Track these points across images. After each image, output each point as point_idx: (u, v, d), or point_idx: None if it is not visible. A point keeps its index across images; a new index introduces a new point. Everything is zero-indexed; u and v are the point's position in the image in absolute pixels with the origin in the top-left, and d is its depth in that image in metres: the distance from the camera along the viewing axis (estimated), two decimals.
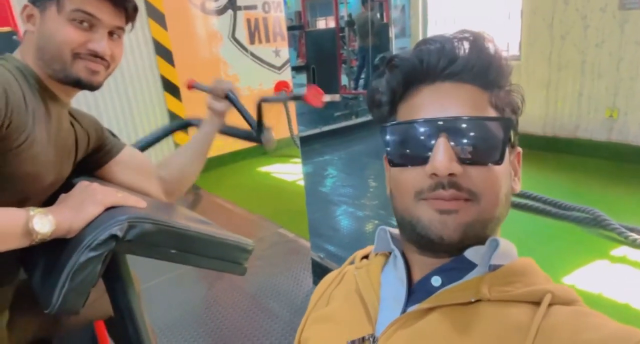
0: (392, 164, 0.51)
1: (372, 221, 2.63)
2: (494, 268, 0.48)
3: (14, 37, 1.32)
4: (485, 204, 0.47)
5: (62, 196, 0.79)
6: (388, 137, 0.51)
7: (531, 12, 3.89)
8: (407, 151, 0.49)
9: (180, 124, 1.51)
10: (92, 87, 0.86)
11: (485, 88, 0.49)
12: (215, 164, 4.31)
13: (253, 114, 1.29)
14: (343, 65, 7.87)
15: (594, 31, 3.57)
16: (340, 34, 7.57)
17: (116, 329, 1.26)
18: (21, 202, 0.76)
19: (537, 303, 0.44)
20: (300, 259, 2.45)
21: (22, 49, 0.82)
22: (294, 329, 1.87)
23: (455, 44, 0.49)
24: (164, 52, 3.88)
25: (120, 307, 0.89)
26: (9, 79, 0.70)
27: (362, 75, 7.63)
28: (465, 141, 0.46)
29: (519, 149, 0.54)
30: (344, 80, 7.76)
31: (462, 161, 0.46)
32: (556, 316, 0.42)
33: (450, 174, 0.45)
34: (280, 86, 4.84)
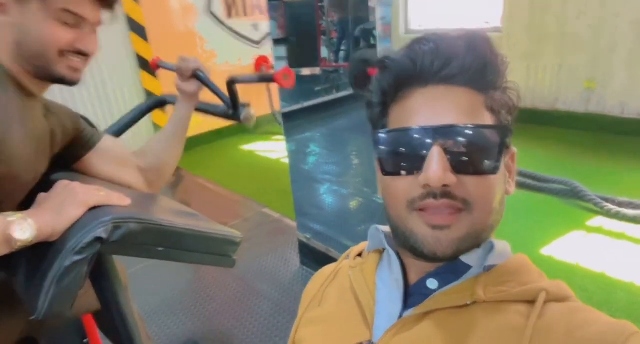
0: (385, 172, 0.49)
1: (356, 198, 2.64)
2: (488, 269, 0.48)
3: None
4: (479, 214, 0.46)
5: (41, 196, 0.76)
6: (380, 143, 0.49)
7: None
8: (400, 159, 0.47)
9: (154, 102, 1.41)
10: (74, 84, 0.84)
11: (481, 91, 0.47)
12: (196, 143, 4.24)
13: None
14: (323, 37, 7.72)
15: (574, 3, 3.56)
16: (319, 4, 7.39)
17: (105, 321, 1.25)
18: None
19: (532, 302, 0.44)
20: (287, 239, 2.46)
21: None
22: (283, 309, 1.90)
23: (450, 44, 0.47)
24: (137, 28, 3.72)
25: (108, 302, 0.88)
26: None
27: (343, 47, 7.51)
28: (460, 150, 0.45)
29: (514, 149, 0.53)
30: (324, 52, 7.63)
31: (457, 170, 0.45)
32: (551, 315, 0.43)
33: (444, 185, 0.44)
34: (260, 61, 4.73)
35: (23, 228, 0.64)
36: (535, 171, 2.95)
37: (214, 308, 1.95)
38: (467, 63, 0.46)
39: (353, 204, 2.72)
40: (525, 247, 2.23)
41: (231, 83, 1.23)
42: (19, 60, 0.77)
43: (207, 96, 1.20)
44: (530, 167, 2.99)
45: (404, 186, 0.47)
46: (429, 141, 0.45)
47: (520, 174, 2.98)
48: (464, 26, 4.50)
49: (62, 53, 0.79)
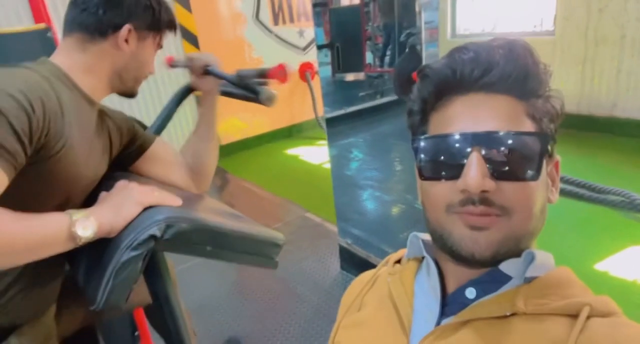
0: (423, 177, 0.50)
1: (398, 205, 2.62)
2: (529, 280, 0.47)
3: (49, 33, 1.34)
4: (518, 220, 0.45)
5: (102, 195, 0.82)
6: (419, 149, 0.50)
7: None
8: (439, 165, 0.48)
9: (183, 92, 1.46)
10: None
11: (522, 98, 0.47)
12: (241, 147, 4.36)
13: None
14: (368, 42, 7.70)
15: (635, 4, 3.36)
16: (365, 9, 7.38)
17: (154, 315, 1.32)
18: (63, 204, 0.80)
19: (575, 316, 0.43)
20: (328, 244, 2.48)
21: (84, 57, 0.86)
22: (322, 313, 1.91)
23: (490, 52, 0.47)
24: (189, 36, 3.88)
25: (158, 296, 0.93)
26: (45, 88, 0.72)
27: (388, 53, 7.46)
28: (499, 156, 0.45)
29: (558, 157, 0.52)
30: (369, 57, 7.61)
31: (496, 177, 0.45)
32: (594, 329, 0.42)
33: (483, 191, 0.44)
34: (304, 67, 4.80)
35: (86, 226, 0.70)
36: (591, 180, 2.80)
37: (255, 309, 2.00)
38: (507, 71, 0.46)
39: (395, 210, 2.69)
40: (578, 262, 2.12)
41: (239, 77, 1.19)
42: (114, 82, 0.92)
43: None
44: (585, 177, 2.84)
45: (443, 190, 0.47)
46: (468, 147, 0.45)
47: (575, 183, 2.84)
48: (512, 30, 4.33)
49: (147, 76, 0.96)
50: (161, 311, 0.94)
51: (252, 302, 2.05)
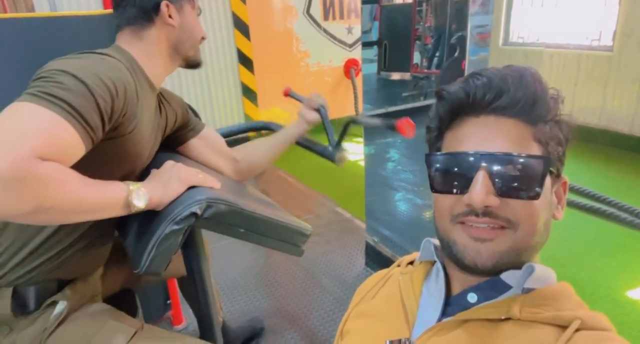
0: (434, 190, 0.54)
1: (430, 210, 2.63)
2: (527, 291, 0.51)
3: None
4: (522, 233, 0.49)
5: (154, 171, 0.90)
6: (432, 165, 0.54)
7: (631, 0, 3.53)
8: (449, 179, 0.52)
9: (259, 126, 1.62)
10: (201, 66, 1.07)
11: (530, 123, 0.50)
12: None
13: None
14: (417, 42, 7.59)
15: None
16: (417, 9, 7.28)
17: (187, 287, 1.42)
18: (126, 176, 0.89)
19: (565, 327, 0.46)
20: (355, 240, 2.53)
21: (143, 44, 0.94)
22: (342, 305, 1.97)
23: (502, 79, 0.50)
24: (241, 26, 4.00)
25: (192, 269, 1.02)
26: (127, 75, 0.81)
27: (437, 54, 7.34)
28: (503, 175, 0.48)
29: (565, 178, 0.56)
30: (417, 58, 7.51)
31: (501, 193, 0.49)
32: (580, 341, 0.45)
33: (486, 206, 0.48)
34: (350, 63, 4.83)
35: (139, 196, 0.78)
36: (636, 204, 2.70)
37: (279, 293, 2.09)
38: (517, 97, 0.50)
39: (426, 214, 2.70)
40: (610, 287, 2.07)
41: (350, 122, 1.37)
42: (174, 57, 0.99)
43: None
44: (631, 201, 2.74)
45: (451, 202, 0.52)
46: (476, 165, 0.49)
47: (617, 206, 2.75)
48: (568, 42, 4.16)
49: (202, 40, 1.03)
50: (193, 284, 1.03)
51: (277, 286, 2.14)
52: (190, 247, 0.98)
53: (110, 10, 1.42)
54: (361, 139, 2.69)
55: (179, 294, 1.64)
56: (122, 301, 1.13)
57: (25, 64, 0.79)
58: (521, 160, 0.49)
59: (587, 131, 3.91)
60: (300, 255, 1.05)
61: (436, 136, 0.57)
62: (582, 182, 3.02)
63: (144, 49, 0.94)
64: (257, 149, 1.27)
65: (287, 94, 1.45)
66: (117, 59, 0.83)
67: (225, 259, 2.36)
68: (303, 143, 1.39)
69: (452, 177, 0.52)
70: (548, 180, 0.51)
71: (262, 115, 4.32)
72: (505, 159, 0.49)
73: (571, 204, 2.82)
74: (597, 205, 2.79)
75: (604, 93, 3.86)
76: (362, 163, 2.68)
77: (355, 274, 2.23)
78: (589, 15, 3.93)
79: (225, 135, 1.50)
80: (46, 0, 2.90)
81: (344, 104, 4.74)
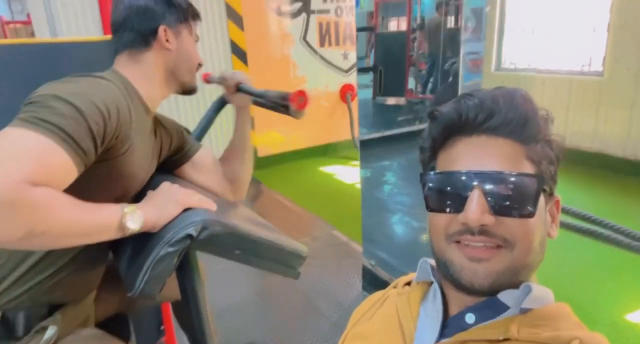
0: (429, 209, 0.55)
1: (427, 232, 2.62)
2: (525, 311, 0.51)
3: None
4: (519, 252, 0.49)
5: (150, 193, 0.90)
6: (426, 184, 0.55)
7: (619, 27, 3.64)
8: (444, 198, 0.53)
9: (220, 102, 1.55)
10: (196, 92, 1.08)
11: (521, 142, 0.51)
12: (276, 161, 4.48)
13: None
14: (411, 68, 7.76)
15: None
16: (412, 36, 7.47)
17: (180, 311, 1.40)
18: (120, 197, 0.89)
19: None
20: (352, 263, 2.51)
21: (139, 67, 0.95)
22: (339, 329, 1.93)
23: (494, 100, 0.51)
24: (239, 53, 4.08)
25: (187, 293, 1.00)
26: (120, 97, 0.82)
27: (431, 80, 7.48)
28: (498, 194, 0.49)
29: (558, 196, 0.56)
30: (411, 83, 7.65)
31: (496, 212, 0.49)
32: None
33: (482, 225, 0.48)
34: (346, 89, 4.91)
35: (134, 218, 0.78)
36: (635, 228, 2.71)
37: (275, 317, 2.05)
38: (508, 117, 0.51)
39: (422, 237, 2.69)
40: (609, 310, 2.05)
41: (266, 96, 1.26)
42: (170, 82, 1.00)
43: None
44: (630, 224, 2.75)
45: (446, 221, 0.52)
46: (470, 184, 0.50)
47: (615, 229, 2.75)
48: (559, 68, 4.25)
49: (199, 67, 1.04)
50: (188, 308, 1.01)
51: (273, 311, 2.10)
52: (185, 269, 0.97)
53: (109, 36, 1.46)
54: (357, 162, 2.71)
55: (173, 319, 1.61)
56: (115, 326, 1.11)
57: (26, 89, 0.80)
58: (515, 178, 0.49)
59: (580, 155, 3.95)
60: (296, 278, 1.04)
61: (430, 156, 0.58)
62: (578, 205, 3.03)
63: (141, 72, 0.95)
64: (229, 161, 1.24)
65: (207, 80, 1.39)
66: (111, 81, 0.85)
67: (221, 284, 2.33)
68: (259, 102, 1.28)
69: (447, 196, 0.52)
70: (542, 199, 0.51)
71: (258, 139, 4.35)
72: (499, 177, 0.49)
73: (568, 227, 2.82)
74: (593, 227, 2.79)
75: (596, 117, 3.92)
76: (359, 186, 2.69)
77: (352, 297, 2.20)
78: (579, 41, 4.03)
79: (203, 130, 1.47)
80: (46, 27, 2.96)
81: (340, 128, 4.79)
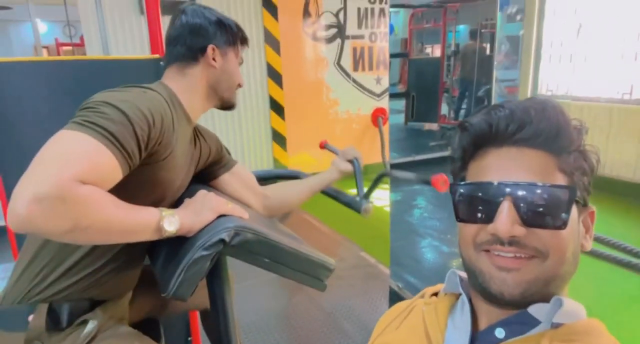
0: (459, 219, 0.55)
1: (457, 258, 2.57)
2: (556, 326, 0.50)
3: (161, 62, 1.58)
4: (551, 262, 0.49)
5: (187, 200, 0.95)
6: (456, 194, 0.55)
7: None
8: (474, 208, 0.52)
9: (288, 173, 1.70)
10: (234, 108, 1.14)
11: (553, 153, 0.51)
12: None
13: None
14: (445, 94, 7.76)
15: None
16: (446, 63, 7.50)
17: (208, 320, 1.42)
18: (157, 202, 0.94)
19: None
20: (379, 285, 2.48)
21: (185, 80, 1.03)
22: None
23: (525, 111, 0.51)
24: (274, 75, 4.21)
25: (217, 300, 1.02)
26: (165, 107, 0.88)
27: (463, 106, 7.45)
28: (529, 205, 0.49)
29: (592, 208, 0.55)
30: (444, 109, 7.63)
31: (526, 223, 0.49)
32: None
33: (511, 236, 0.48)
34: (377, 112, 4.96)
35: (171, 222, 0.82)
36: None
37: (300, 336, 2.04)
38: (540, 128, 0.50)
39: (452, 262, 2.64)
40: (636, 336, 1.94)
41: (382, 175, 1.45)
42: (211, 96, 1.06)
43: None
44: None
45: (475, 230, 0.52)
46: (501, 195, 0.50)
47: (635, 255, 2.63)
48: (599, 95, 4.15)
49: (239, 86, 1.11)
50: (216, 315, 1.03)
51: (298, 330, 2.09)
52: (216, 276, 0.99)
53: (156, 55, 1.55)
54: (387, 186, 2.70)
55: (201, 331, 1.63)
56: (147, 329, 1.14)
57: (79, 102, 0.88)
58: (546, 189, 0.49)
59: (622, 185, 3.80)
60: (323, 290, 1.05)
61: (460, 167, 0.58)
62: (619, 237, 2.91)
63: (186, 84, 1.02)
64: (288, 189, 1.34)
65: (323, 146, 1.53)
66: (157, 91, 0.91)
67: (247, 300, 2.35)
68: (331, 193, 1.44)
69: (477, 206, 0.52)
70: (574, 210, 0.51)
71: (290, 160, 4.42)
72: (530, 188, 0.49)
73: (608, 259, 2.70)
74: (635, 260, 2.66)
75: (638, 147, 3.79)
76: (388, 209, 2.68)
77: (377, 320, 2.16)
78: (619, 69, 3.94)
79: (256, 177, 1.57)
80: (98, 48, 3.17)
81: (371, 151, 4.80)
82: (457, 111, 7.06)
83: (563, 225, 0.49)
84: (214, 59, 1.03)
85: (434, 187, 1.22)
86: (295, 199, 1.33)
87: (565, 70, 4.38)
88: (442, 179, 1.20)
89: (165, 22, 1.54)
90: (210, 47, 1.02)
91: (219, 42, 1.04)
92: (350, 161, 1.37)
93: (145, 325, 1.15)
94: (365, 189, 1.41)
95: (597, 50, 4.11)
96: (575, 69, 4.30)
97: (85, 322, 0.89)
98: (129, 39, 3.52)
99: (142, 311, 1.15)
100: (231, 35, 1.06)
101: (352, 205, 1.40)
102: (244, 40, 1.11)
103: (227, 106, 1.12)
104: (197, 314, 1.62)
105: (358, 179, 1.37)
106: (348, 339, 2.00)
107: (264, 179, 1.59)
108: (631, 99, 3.86)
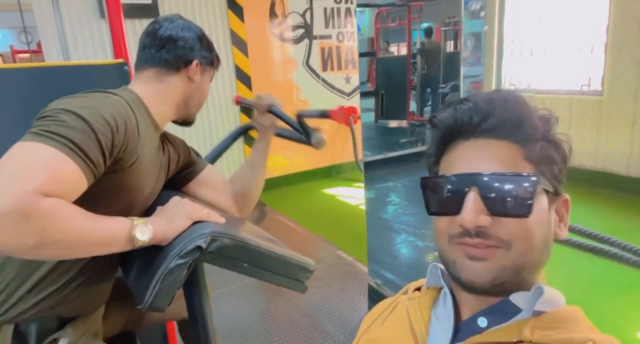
0: (430, 212, 0.56)
1: (432, 252, 2.61)
2: (538, 314, 0.51)
3: (125, 67, 1.53)
4: (517, 252, 0.50)
5: (159, 208, 0.92)
6: (426, 188, 0.56)
7: (617, 47, 3.71)
8: (442, 201, 0.54)
9: (242, 129, 1.61)
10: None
11: (519, 143, 0.52)
12: (281, 183, 4.49)
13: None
14: (412, 91, 7.88)
15: None
16: (412, 61, 7.62)
17: (187, 330, 1.38)
18: (126, 210, 0.91)
19: None
20: (357, 283, 2.49)
21: (160, 86, 1.01)
22: None
23: (488, 103, 0.53)
24: (243, 77, 4.17)
25: (195, 309, 1.00)
26: (129, 112, 0.85)
27: (429, 102, 7.59)
28: (493, 194, 0.50)
29: (566, 196, 0.56)
30: (413, 106, 7.75)
31: (492, 213, 0.50)
32: None
33: (478, 226, 0.49)
34: (348, 111, 4.99)
35: (144, 231, 0.80)
36: (638, 244, 2.69)
37: (281, 340, 2.02)
38: (503, 118, 0.52)
39: (428, 257, 2.68)
40: (618, 329, 2.02)
41: (300, 117, 1.39)
42: (180, 108, 1.06)
43: None
44: (634, 241, 2.73)
45: (446, 223, 0.53)
46: (466, 186, 0.51)
47: (622, 247, 2.73)
48: (559, 88, 4.30)
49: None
50: (195, 324, 1.01)
51: (278, 333, 2.07)
52: (193, 284, 0.97)
53: (119, 60, 1.50)
54: (361, 184, 2.72)
55: (179, 342, 1.59)
56: (123, 343, 1.11)
57: (37, 110, 0.84)
58: (509, 178, 0.50)
59: (584, 173, 3.96)
60: (303, 291, 1.04)
61: (433, 162, 0.60)
62: (584, 224, 3.02)
63: (160, 91, 0.99)
64: (242, 177, 1.28)
65: (238, 101, 1.46)
66: (121, 96, 0.88)
67: (225, 308, 2.31)
68: (281, 134, 1.38)
69: (445, 199, 0.53)
70: (544, 198, 0.52)
71: None
72: (494, 178, 0.50)
73: (575, 245, 2.80)
74: (600, 245, 2.77)
75: (597, 136, 3.95)
76: (362, 207, 2.70)
77: (358, 318, 2.17)
78: (577, 61, 4.10)
79: (218, 154, 1.52)
80: (57, 55, 3.05)
81: (344, 150, 4.83)
82: (422, 107, 7.20)
83: (527, 213, 0.50)
84: (195, 74, 1.03)
85: (333, 120, 1.20)
86: (255, 186, 1.28)
87: (527, 65, 4.53)
88: (340, 111, 1.19)
89: (127, 25, 1.50)
90: (195, 62, 1.03)
91: (202, 60, 1.05)
92: (268, 111, 1.30)
93: (121, 339, 1.12)
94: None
95: (556, 44, 4.26)
96: (536, 63, 4.44)
97: (55, 341, 0.85)
98: (90, 43, 3.40)
99: (117, 324, 1.11)
100: (213, 56, 1.09)
101: (303, 141, 1.35)
102: (218, 62, 1.13)
103: (188, 121, 1.12)
104: (175, 324, 1.58)
105: (288, 122, 1.30)
106: (329, 340, 2.00)
107: (226, 150, 1.56)
108: (589, 90, 4.02)
